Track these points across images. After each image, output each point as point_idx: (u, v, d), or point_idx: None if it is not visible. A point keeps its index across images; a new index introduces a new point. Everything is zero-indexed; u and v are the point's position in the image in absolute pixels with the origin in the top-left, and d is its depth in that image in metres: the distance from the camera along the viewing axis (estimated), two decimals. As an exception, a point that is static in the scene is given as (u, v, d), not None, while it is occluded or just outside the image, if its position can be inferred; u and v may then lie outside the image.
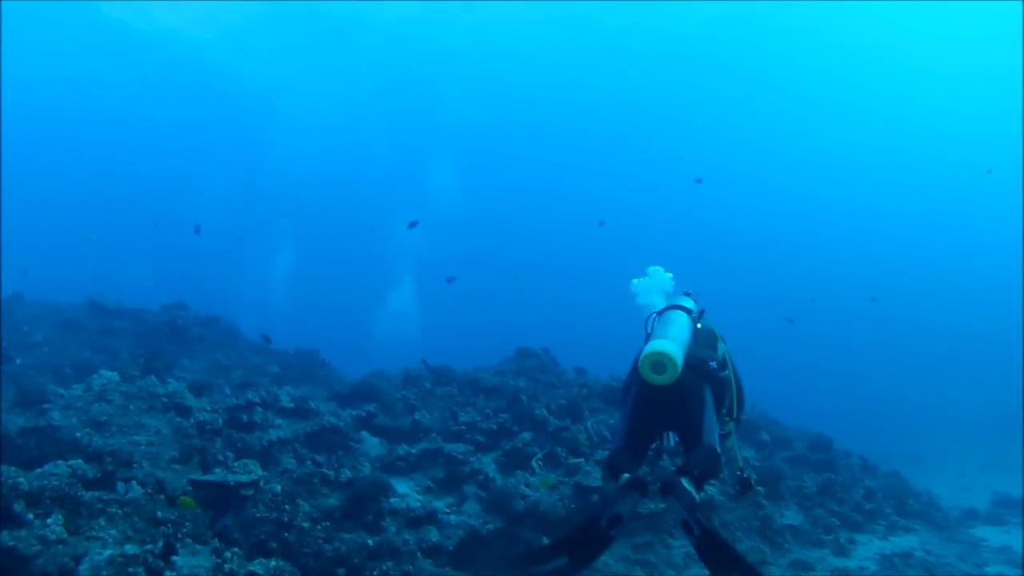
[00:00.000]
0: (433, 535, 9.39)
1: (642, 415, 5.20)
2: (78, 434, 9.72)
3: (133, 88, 49.84)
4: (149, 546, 6.73)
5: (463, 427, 12.89)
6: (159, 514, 7.49)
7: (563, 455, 12.19)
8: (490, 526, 9.80)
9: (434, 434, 12.76)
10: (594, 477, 10.46)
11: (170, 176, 54.88)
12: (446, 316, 40.46)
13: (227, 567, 7.03)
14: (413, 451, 11.85)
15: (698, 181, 17.09)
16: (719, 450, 4.91)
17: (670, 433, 5.36)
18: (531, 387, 15.65)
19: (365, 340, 28.84)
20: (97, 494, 7.53)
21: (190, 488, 9.36)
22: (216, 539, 8.66)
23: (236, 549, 7.54)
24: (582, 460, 11.85)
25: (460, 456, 11.42)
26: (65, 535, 6.62)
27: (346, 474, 9.73)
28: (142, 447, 9.90)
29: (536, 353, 18.04)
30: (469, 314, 48.29)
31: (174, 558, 7.05)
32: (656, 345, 4.91)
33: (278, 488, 9.04)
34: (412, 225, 20.78)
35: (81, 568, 6.19)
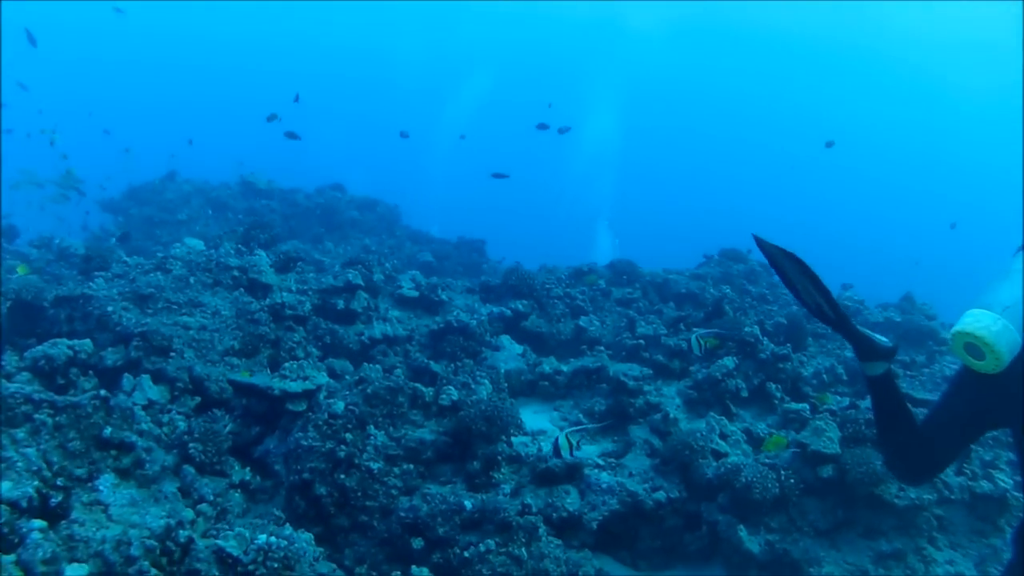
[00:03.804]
0: (570, 501, 5.98)
1: (959, 404, 3.15)
2: (110, 308, 7.20)
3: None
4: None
5: (641, 341, 9.24)
6: (108, 432, 4.57)
7: (778, 396, 8.27)
8: (660, 495, 6.21)
9: (601, 348, 9.26)
10: (828, 437, 6.45)
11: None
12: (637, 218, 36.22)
13: (182, 535, 4.00)
14: (565, 369, 8.42)
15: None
16: None
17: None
18: (737, 299, 11.60)
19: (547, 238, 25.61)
20: (28, 390, 4.75)
21: (229, 390, 6.57)
22: (246, 470, 5.82)
23: (206, 507, 4.57)
24: (805, 406, 7.88)
25: (631, 382, 7.82)
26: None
27: (451, 395, 6.47)
28: (190, 331, 7.25)
29: (746, 258, 13.76)
30: (664, 218, 43.78)
31: (107, 503, 4.18)
32: (967, 322, 2.85)
33: (340, 406, 5.96)
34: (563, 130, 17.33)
35: None
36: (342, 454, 5.67)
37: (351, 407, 5.98)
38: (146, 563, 3.83)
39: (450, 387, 6.55)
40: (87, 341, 6.53)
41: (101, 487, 4.33)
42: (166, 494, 4.61)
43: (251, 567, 3.93)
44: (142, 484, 4.63)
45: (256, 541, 4.04)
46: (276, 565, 3.97)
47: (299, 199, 17.32)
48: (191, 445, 5.51)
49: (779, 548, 5.95)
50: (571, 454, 5.52)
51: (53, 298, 7.60)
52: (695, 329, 9.23)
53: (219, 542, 4.02)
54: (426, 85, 46.70)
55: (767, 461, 6.62)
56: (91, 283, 7.76)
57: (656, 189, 49.02)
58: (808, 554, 5.92)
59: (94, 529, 4.01)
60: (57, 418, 4.54)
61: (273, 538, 4.08)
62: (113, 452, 4.61)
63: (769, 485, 6.09)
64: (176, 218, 16.49)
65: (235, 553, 3.98)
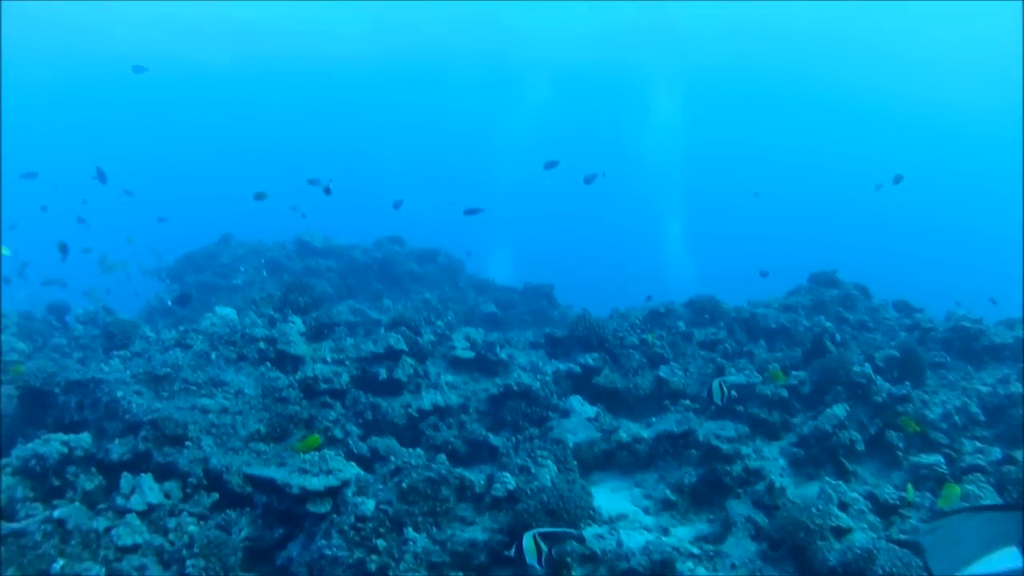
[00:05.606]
0: (662, 615, 4.72)
1: None
2: (119, 393, 6.35)
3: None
4: None
5: (733, 392, 7.90)
6: (58, 566, 3.60)
7: (901, 447, 6.86)
8: (778, 598, 4.89)
9: (686, 402, 7.98)
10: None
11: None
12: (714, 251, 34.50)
13: None
14: (645, 435, 7.16)
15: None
16: None
17: None
18: (836, 331, 10.12)
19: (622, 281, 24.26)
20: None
21: (248, 485, 5.59)
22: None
23: None
24: (939, 458, 6.48)
25: (725, 445, 6.53)
26: None
27: (506, 483, 5.32)
28: (209, 415, 6.34)
29: (839, 281, 12.20)
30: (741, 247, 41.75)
31: None
32: None
33: (370, 506, 4.88)
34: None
35: None
36: (373, 566, 4.58)
37: (383, 506, 4.90)
38: None
39: (505, 473, 5.40)
40: (85, 435, 5.66)
41: (46, 648, 3.33)
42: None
43: None
44: (107, 635, 3.61)
45: None
46: None
47: (356, 255, 16.58)
48: (189, 562, 4.52)
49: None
50: (540, 563, 4.18)
51: (64, 383, 6.84)
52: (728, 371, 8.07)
53: None
54: (479, 132, 46.25)
55: (904, 538, 5.25)
56: (104, 364, 6.97)
57: (725, 216, 47.06)
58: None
59: None
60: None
61: None
62: (68, 594, 3.62)
63: (906, 567, 4.70)
64: (231, 283, 15.92)
65: None
